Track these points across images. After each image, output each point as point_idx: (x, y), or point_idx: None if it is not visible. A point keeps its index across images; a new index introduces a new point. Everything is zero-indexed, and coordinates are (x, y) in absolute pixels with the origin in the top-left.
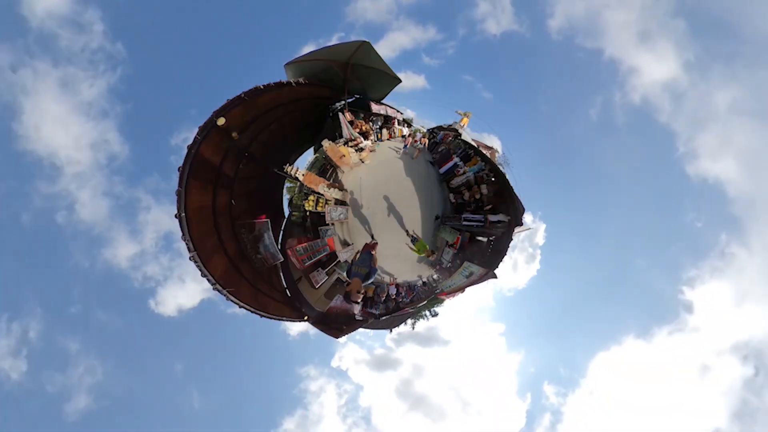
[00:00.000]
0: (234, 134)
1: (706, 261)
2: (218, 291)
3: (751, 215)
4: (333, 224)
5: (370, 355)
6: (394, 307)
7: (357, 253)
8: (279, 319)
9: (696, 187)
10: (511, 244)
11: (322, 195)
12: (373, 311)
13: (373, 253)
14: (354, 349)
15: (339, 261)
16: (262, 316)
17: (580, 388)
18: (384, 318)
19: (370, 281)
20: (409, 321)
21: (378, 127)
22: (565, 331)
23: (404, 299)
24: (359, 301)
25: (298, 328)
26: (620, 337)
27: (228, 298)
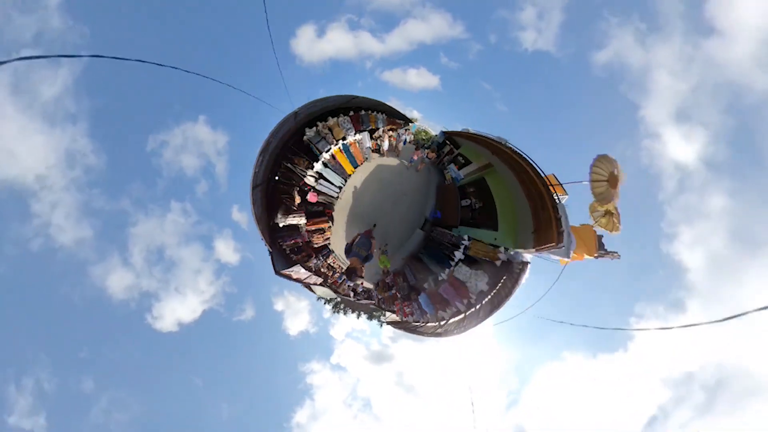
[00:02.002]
0: None
1: (655, 305)
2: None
3: (696, 301)
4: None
5: (368, 351)
6: (367, 296)
7: (357, 235)
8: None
9: (661, 262)
10: None
11: None
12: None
13: (372, 239)
14: (352, 346)
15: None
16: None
17: (531, 382)
18: (363, 301)
19: (368, 263)
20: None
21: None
22: (535, 337)
23: (377, 296)
24: (362, 275)
25: (297, 328)
26: (570, 352)
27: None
